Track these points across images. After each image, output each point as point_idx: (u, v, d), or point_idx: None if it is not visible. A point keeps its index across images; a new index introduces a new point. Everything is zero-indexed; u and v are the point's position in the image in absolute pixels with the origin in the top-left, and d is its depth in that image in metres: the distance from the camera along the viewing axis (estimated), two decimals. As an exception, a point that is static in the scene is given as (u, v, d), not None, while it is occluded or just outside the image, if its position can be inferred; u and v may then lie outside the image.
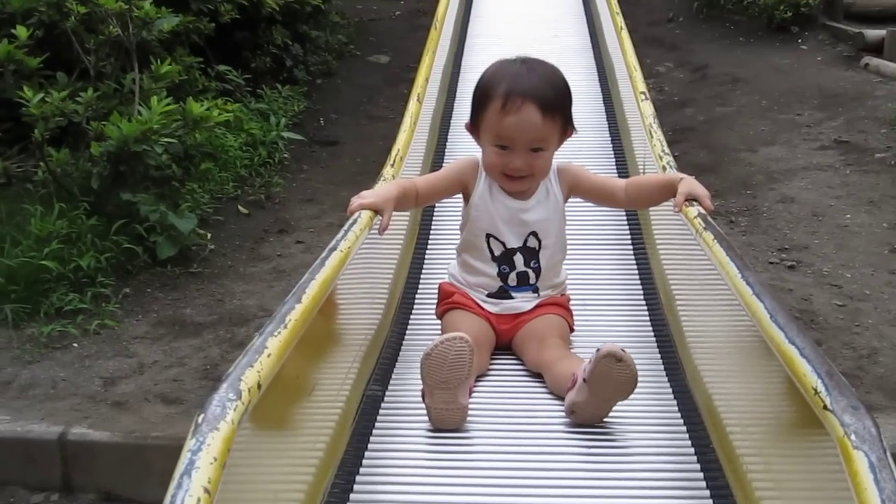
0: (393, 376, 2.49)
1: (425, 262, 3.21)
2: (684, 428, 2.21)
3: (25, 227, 4.27)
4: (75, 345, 3.86)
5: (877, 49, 7.05)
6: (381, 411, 2.30)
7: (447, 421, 2.18)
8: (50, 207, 4.36)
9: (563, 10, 6.21)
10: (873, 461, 1.29)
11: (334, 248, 2.14)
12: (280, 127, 5.93)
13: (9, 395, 3.54)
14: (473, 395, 2.29)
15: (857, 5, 7.69)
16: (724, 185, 5.24)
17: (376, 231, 2.42)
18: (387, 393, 2.39)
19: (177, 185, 4.77)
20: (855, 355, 3.65)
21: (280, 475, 1.76)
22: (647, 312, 2.86)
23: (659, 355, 2.59)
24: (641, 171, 3.54)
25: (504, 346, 2.59)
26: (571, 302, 2.69)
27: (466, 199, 2.62)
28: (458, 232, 2.69)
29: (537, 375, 2.45)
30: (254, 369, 1.48)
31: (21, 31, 4.33)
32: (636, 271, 3.12)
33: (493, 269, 2.59)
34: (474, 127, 2.56)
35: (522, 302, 2.59)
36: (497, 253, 2.58)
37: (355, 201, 2.46)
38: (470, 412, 2.21)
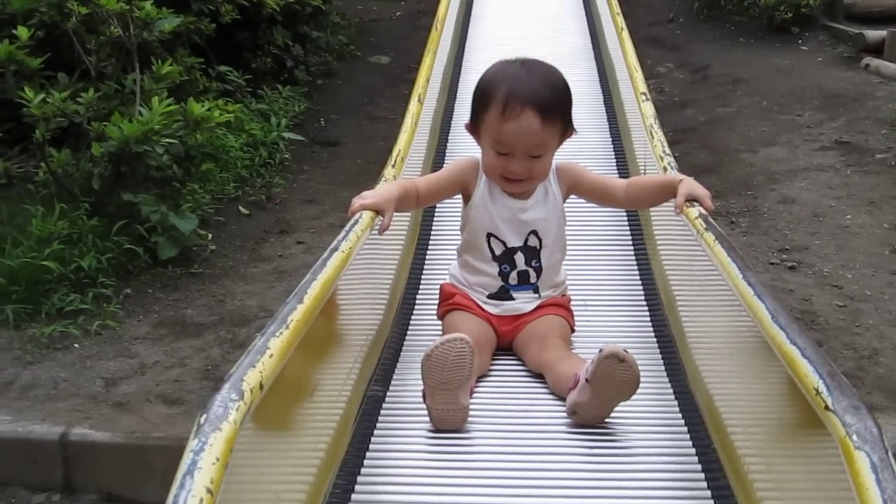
0: (394, 377, 2.49)
1: (426, 262, 3.21)
2: (685, 428, 2.21)
3: (26, 228, 4.27)
4: (76, 345, 3.86)
5: (877, 50, 7.06)
6: (382, 412, 2.30)
7: (448, 422, 2.18)
8: (51, 208, 4.37)
9: (564, 11, 6.21)
10: (875, 461, 1.29)
11: (336, 249, 2.14)
12: (281, 127, 5.93)
13: (10, 395, 3.54)
14: (474, 395, 2.29)
15: (857, 6, 7.69)
16: (724, 186, 5.24)
17: (377, 231, 2.42)
18: (388, 393, 2.39)
19: (178, 185, 4.78)
20: (856, 356, 3.65)
21: (282, 475, 1.76)
22: (647, 313, 2.85)
23: (660, 356, 2.59)
24: (642, 171, 3.54)
25: (505, 347, 2.59)
26: (572, 302, 2.69)
27: (466, 199, 2.62)
28: (459, 233, 2.69)
29: (538, 376, 2.45)
30: (256, 370, 1.48)
31: (22, 32, 4.34)
32: (637, 272, 3.12)
33: (493, 269, 2.59)
34: (474, 127, 2.56)
35: (523, 303, 2.59)
36: (498, 252, 2.58)
37: (356, 202, 2.46)
38: (471, 413, 2.21)
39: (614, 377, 2.09)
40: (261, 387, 1.46)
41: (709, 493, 1.96)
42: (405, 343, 2.70)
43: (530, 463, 2.07)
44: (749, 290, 1.90)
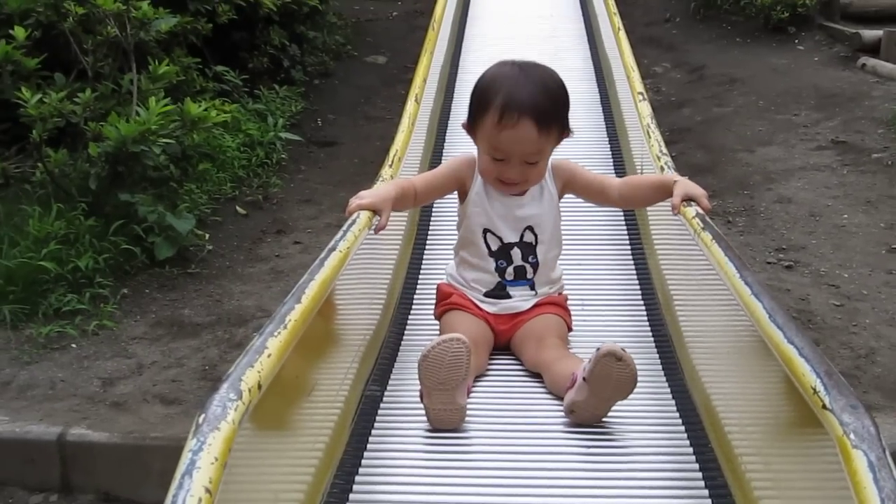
0: (391, 377, 2.49)
1: (423, 262, 3.22)
2: (683, 427, 2.22)
3: (23, 228, 4.27)
4: (74, 345, 3.86)
5: (873, 49, 7.07)
6: (379, 412, 2.30)
7: (446, 421, 2.18)
8: (48, 208, 4.36)
9: (560, 10, 6.22)
10: (872, 460, 1.29)
11: (333, 249, 2.14)
12: (278, 127, 5.93)
13: (7, 395, 3.54)
14: (472, 395, 2.29)
15: (853, 6, 7.71)
16: (721, 186, 5.24)
17: (373, 231, 2.42)
18: (385, 393, 2.39)
19: (175, 185, 4.77)
20: (853, 355, 3.66)
21: (280, 475, 1.76)
22: (645, 312, 2.86)
23: (657, 355, 2.59)
24: (639, 171, 3.55)
25: (502, 347, 2.59)
26: (569, 301, 2.69)
27: (462, 196, 2.63)
28: (455, 231, 2.69)
29: (536, 375, 2.45)
30: (254, 369, 1.48)
31: (19, 32, 4.33)
32: (634, 271, 3.12)
33: (490, 265, 2.59)
34: (471, 128, 2.57)
35: (520, 301, 2.59)
36: (494, 248, 2.59)
37: (354, 202, 2.46)
38: (468, 412, 2.21)
39: (612, 376, 2.10)
40: (259, 387, 1.46)
41: (706, 491, 1.97)
42: (402, 343, 2.70)
43: (528, 462, 2.07)
44: (746, 289, 1.90)
